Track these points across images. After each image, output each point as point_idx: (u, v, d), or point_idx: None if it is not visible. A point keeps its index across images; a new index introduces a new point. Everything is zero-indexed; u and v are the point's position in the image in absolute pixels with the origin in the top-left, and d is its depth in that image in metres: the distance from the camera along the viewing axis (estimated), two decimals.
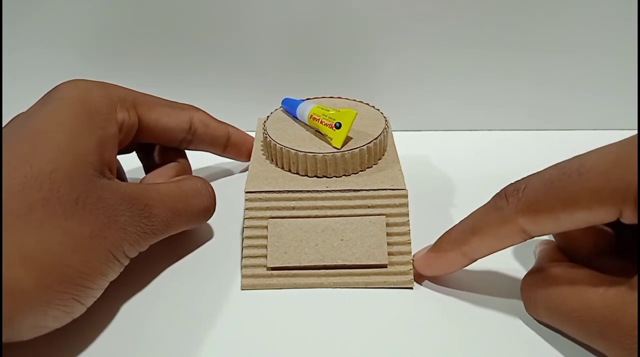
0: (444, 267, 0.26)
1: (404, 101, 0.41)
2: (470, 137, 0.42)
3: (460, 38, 0.39)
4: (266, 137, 0.30)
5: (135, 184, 0.25)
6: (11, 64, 0.40)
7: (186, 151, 0.33)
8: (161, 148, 0.32)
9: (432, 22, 0.38)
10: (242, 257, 0.27)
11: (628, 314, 0.19)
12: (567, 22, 0.38)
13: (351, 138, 0.29)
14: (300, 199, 0.27)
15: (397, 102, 0.40)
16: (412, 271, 0.26)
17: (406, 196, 0.27)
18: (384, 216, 0.27)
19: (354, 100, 0.33)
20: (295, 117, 0.31)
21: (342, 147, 0.28)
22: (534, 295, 0.24)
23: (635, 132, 0.43)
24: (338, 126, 0.28)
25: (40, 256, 0.20)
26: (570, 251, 0.25)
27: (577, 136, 0.41)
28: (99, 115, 0.25)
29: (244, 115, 0.36)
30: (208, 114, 0.33)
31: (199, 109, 0.33)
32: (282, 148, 0.28)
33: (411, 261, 0.26)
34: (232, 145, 0.34)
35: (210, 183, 0.29)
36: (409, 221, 0.27)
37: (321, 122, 0.29)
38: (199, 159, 0.36)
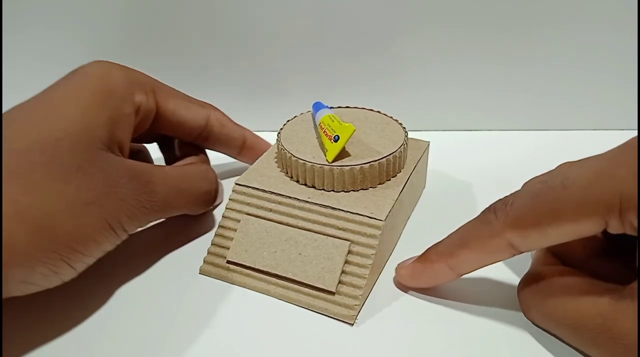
0: (428, 278, 0.25)
1: (404, 101, 0.41)
2: (471, 137, 0.42)
3: (461, 39, 0.39)
4: (277, 135, 0.30)
5: (141, 163, 0.26)
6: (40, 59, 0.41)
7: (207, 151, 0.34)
8: (182, 142, 0.33)
9: (435, 25, 0.38)
10: (210, 244, 0.28)
11: (620, 323, 0.19)
12: (568, 23, 0.38)
13: (349, 154, 0.27)
14: (279, 203, 0.27)
15: (398, 101, 0.40)
16: (357, 307, 0.24)
17: (380, 228, 0.25)
18: (349, 242, 0.25)
19: (391, 117, 0.31)
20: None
21: (333, 161, 0.27)
22: (529, 300, 0.24)
23: (635, 132, 0.39)
24: (336, 139, 0.27)
25: (34, 213, 0.21)
26: (562, 255, 0.24)
27: (577, 136, 0.41)
28: (116, 94, 0.25)
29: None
30: (226, 116, 0.33)
31: (217, 109, 0.33)
32: (282, 149, 0.28)
33: (359, 297, 0.24)
34: (247, 148, 0.34)
35: (224, 180, 0.29)
36: (374, 254, 0.25)
37: (324, 132, 0.28)
38: (218, 160, 0.36)
